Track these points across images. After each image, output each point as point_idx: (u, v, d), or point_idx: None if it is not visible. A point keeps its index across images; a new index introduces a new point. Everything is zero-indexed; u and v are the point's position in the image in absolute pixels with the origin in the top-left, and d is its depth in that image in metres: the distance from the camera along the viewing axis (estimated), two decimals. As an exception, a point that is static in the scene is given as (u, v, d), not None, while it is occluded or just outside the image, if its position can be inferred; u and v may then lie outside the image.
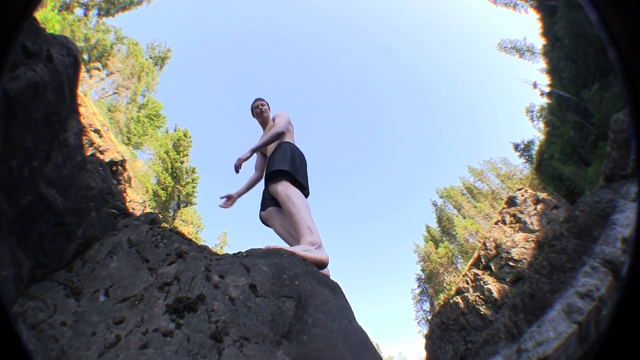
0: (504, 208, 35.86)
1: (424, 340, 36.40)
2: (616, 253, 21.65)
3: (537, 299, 25.94)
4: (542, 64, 49.11)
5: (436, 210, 47.60)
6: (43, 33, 2.98)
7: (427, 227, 47.71)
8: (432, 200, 49.13)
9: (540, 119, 46.25)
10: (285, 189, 4.13)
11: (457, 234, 41.37)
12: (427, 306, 41.12)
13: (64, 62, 3.09)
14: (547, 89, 44.06)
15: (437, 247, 43.79)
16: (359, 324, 3.27)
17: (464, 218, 42.94)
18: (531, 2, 48.06)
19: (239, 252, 3.42)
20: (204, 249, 3.31)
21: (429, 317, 38.61)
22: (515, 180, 42.38)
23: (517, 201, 34.63)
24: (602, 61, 35.42)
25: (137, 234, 3.20)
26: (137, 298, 2.48)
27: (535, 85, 45.22)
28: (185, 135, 39.76)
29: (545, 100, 45.35)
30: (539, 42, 48.72)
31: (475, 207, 42.90)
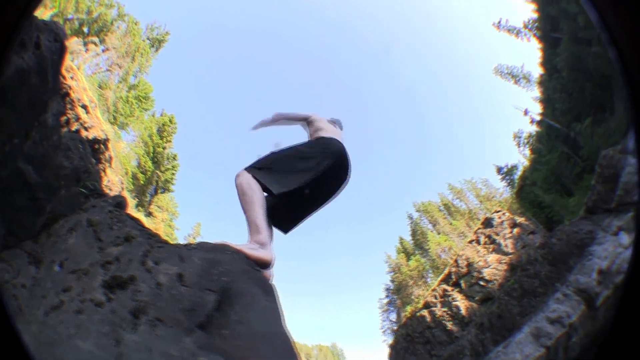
0: (479, 228, 36.08)
1: (388, 350, 36.62)
2: (591, 284, 21.52)
3: (506, 320, 25.84)
4: (536, 92, 49.66)
5: (411, 223, 47.42)
6: (35, 21, 3.14)
7: (401, 239, 47.59)
8: (409, 213, 48.96)
9: (527, 146, 46.61)
10: (241, 181, 3.85)
11: (430, 248, 41.20)
12: (393, 316, 40.80)
13: (50, 48, 3.27)
14: (538, 118, 44.38)
15: (408, 259, 43.50)
16: (287, 329, 3.26)
17: (439, 234, 43.14)
18: (535, 32, 48.44)
19: (188, 244, 3.58)
20: (152, 236, 3.48)
21: (395, 328, 38.29)
22: (494, 202, 42.76)
23: (494, 223, 34.52)
24: (598, 97, 35.78)
25: (98, 215, 3.43)
26: (83, 271, 2.76)
27: (526, 112, 45.46)
28: (170, 121, 39.31)
29: (534, 128, 45.69)
30: (536, 70, 49.14)
31: (451, 224, 43.12)
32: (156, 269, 2.92)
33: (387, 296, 43.26)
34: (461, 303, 30.50)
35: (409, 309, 36.16)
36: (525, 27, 50.34)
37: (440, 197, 47.68)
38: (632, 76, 0.93)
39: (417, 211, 48.00)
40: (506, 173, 47.61)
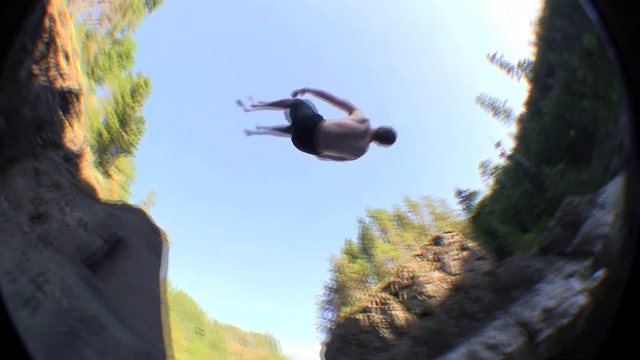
0: (428, 244, 36.61)
1: (320, 347, 36.73)
2: (533, 319, 22.27)
3: (442, 338, 26.62)
4: (512, 128, 50.74)
5: (361, 227, 47.40)
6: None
7: (348, 240, 47.31)
8: (360, 217, 48.92)
9: (492, 176, 47.53)
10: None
11: (375, 255, 41.54)
12: (330, 315, 40.72)
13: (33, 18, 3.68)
14: (510, 152, 45.25)
15: (352, 262, 43.48)
16: (163, 287, 5.84)
17: (386, 242, 43.26)
18: (527, 73, 49.28)
19: (111, 201, 5.86)
20: (78, 188, 5.62)
21: (331, 327, 38.66)
22: (448, 222, 43.33)
23: (444, 242, 35.05)
24: (577, 147, 36.78)
25: (46, 165, 4.98)
26: (19, 205, 4.41)
27: (498, 145, 46.36)
28: (145, 84, 37.88)
29: (503, 161, 46.54)
30: (518, 108, 50.26)
31: (401, 235, 43.32)
32: (70, 214, 4.52)
33: (326, 294, 43.09)
34: (399, 313, 30.68)
35: (346, 309, 36.42)
36: (519, 66, 51.35)
37: (394, 207, 48.21)
38: (632, 76, 0.96)
39: (369, 216, 48.15)
40: (465, 197, 48.44)
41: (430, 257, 34.35)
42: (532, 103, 50.03)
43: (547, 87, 44.03)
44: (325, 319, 40.37)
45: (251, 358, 60.46)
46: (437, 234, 38.43)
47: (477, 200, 49.93)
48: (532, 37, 51.76)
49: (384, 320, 31.03)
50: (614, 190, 28.87)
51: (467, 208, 50.25)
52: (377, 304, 32.77)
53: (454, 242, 34.95)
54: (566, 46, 42.38)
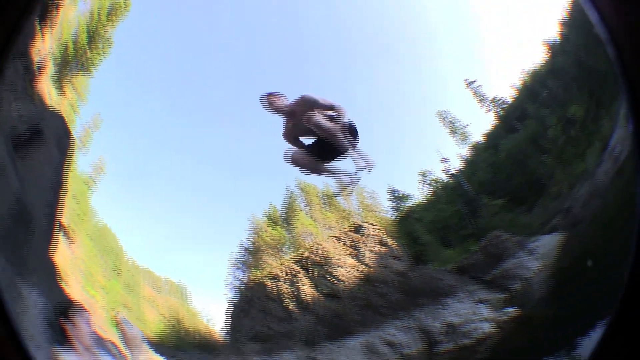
0: (349, 230, 37.52)
1: (227, 305, 37.63)
2: (435, 330, 23.68)
3: (344, 323, 27.56)
4: (464, 151, 52.67)
5: (288, 196, 47.46)
6: None
7: (273, 206, 47.53)
8: (289, 186, 49.03)
9: (430, 187, 49.09)
10: None
11: (295, 226, 41.83)
12: (241, 275, 40.64)
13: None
14: (454, 171, 46.86)
15: (272, 227, 43.78)
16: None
17: (309, 217, 43.50)
18: (499, 110, 51.02)
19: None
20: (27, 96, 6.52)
21: (240, 287, 38.83)
22: (374, 215, 44.05)
23: (364, 232, 35.92)
24: (520, 192, 38.87)
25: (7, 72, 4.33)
26: None
27: (445, 160, 48.12)
28: (125, 5, 35.56)
29: (445, 177, 48.21)
30: (477, 135, 52.18)
31: (324, 214, 43.68)
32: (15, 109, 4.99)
33: (240, 253, 42.88)
34: (307, 289, 31.32)
35: (257, 273, 36.67)
36: (493, 100, 53.33)
37: (325, 186, 48.38)
38: (632, 76, 0.96)
39: (298, 187, 48.26)
40: (398, 197, 49.75)
41: (348, 242, 35.18)
42: (493, 137, 52.09)
43: (513, 129, 46.22)
44: (236, 278, 40.11)
45: (162, 305, 59.78)
46: (359, 222, 39.30)
47: (408, 203, 51.73)
48: (518, 82, 54.75)
49: (291, 292, 31.55)
50: (548, 243, 30.48)
51: (396, 208, 51.31)
52: (287, 275, 33.26)
53: (374, 235, 35.74)
54: (549, 105, 44.99)
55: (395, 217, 49.67)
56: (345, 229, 38.82)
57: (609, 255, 14.71)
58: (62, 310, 3.00)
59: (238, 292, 37.78)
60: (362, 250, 33.92)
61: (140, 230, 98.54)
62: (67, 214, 25.66)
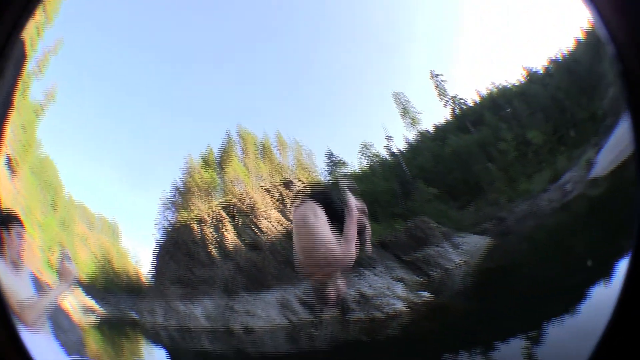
0: (279, 184, 38.01)
1: (154, 245, 36.82)
2: (349, 297, 24.34)
3: (262, 276, 28.21)
4: (410, 134, 54.07)
5: (227, 140, 46.92)
6: None
7: (210, 148, 46.98)
8: (229, 131, 48.48)
9: (368, 159, 50.06)
10: None
11: (228, 172, 41.77)
12: (170, 216, 40.06)
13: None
14: (396, 151, 48.05)
15: (205, 170, 43.44)
16: None
17: (242, 164, 43.37)
18: (456, 108, 52.67)
19: None
20: None
21: (168, 228, 38.32)
22: (307, 174, 44.41)
23: (293, 188, 36.48)
24: (457, 188, 42.47)
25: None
26: None
27: (388, 139, 49.11)
28: None
29: (384, 154, 50.53)
30: (427, 123, 55.50)
31: (257, 164, 43.72)
32: None
33: (172, 193, 42.56)
34: (230, 236, 31.59)
35: (184, 214, 36.58)
36: (453, 99, 54.56)
37: (265, 136, 48.16)
38: (632, 76, 0.97)
39: (238, 134, 47.84)
40: (333, 162, 50.34)
41: (276, 195, 35.69)
42: (443, 130, 53.56)
43: (465, 130, 47.96)
44: (165, 218, 39.49)
45: (93, 244, 58.58)
46: (291, 178, 39.82)
47: (343, 170, 52.45)
48: (484, 91, 56.21)
49: (215, 238, 31.79)
50: (475, 243, 32.07)
51: (330, 172, 52.24)
52: (213, 220, 33.43)
53: (300, 192, 35.52)
54: (508, 121, 46.99)
55: (328, 181, 51.14)
56: (275, 182, 39.13)
57: (532, 272, 15.95)
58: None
59: (166, 234, 37.27)
60: (288, 206, 34.10)
61: (81, 164, 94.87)
62: (13, 144, 25.06)
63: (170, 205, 41.28)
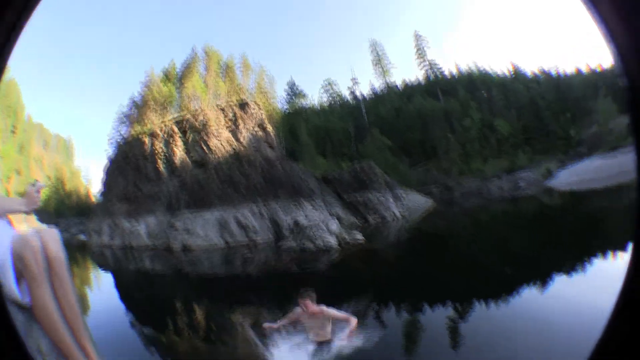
0: (234, 103, 37.63)
1: (106, 161, 36.16)
2: (285, 224, 25.54)
3: (204, 194, 28.09)
4: (378, 83, 55.57)
5: (192, 56, 44.82)
6: None
7: (173, 62, 46.09)
8: (196, 47, 47.48)
9: (329, 96, 51.13)
10: None
11: (186, 87, 40.98)
12: (124, 130, 39.78)
13: None
14: (358, 95, 51.12)
15: (164, 83, 42.23)
16: None
17: (202, 81, 42.95)
18: (430, 73, 53.35)
19: None
20: None
21: (120, 142, 37.88)
22: (264, 98, 44.62)
23: (248, 110, 36.28)
24: (411, 143, 45.83)
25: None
26: None
27: (353, 81, 54.51)
28: None
29: (347, 95, 54.74)
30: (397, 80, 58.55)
31: (217, 82, 43.07)
32: None
33: (129, 107, 41.63)
34: (179, 152, 31.42)
35: (138, 128, 36.16)
36: (431, 64, 55.84)
37: (230, 57, 46.67)
38: (632, 76, 0.96)
39: (204, 51, 46.23)
40: (294, 92, 51.19)
41: (230, 115, 35.30)
42: (411, 89, 56.38)
43: (434, 95, 51.21)
44: (119, 133, 39.56)
45: (47, 165, 58.18)
46: (248, 100, 39.14)
47: (302, 102, 54.38)
48: (464, 67, 58.48)
49: (164, 152, 31.48)
50: (417, 202, 34.18)
51: (289, 101, 53.59)
52: (164, 134, 32.96)
53: (256, 117, 36.12)
54: (480, 102, 47.66)
55: (285, 109, 51.48)
56: (231, 101, 38.81)
57: (468, 249, 15.59)
58: None
59: (117, 148, 36.68)
60: (240, 127, 34.25)
61: (43, 84, 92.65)
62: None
63: (125, 119, 40.96)
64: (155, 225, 27.43)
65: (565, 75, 52.44)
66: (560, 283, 8.39)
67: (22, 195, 2.90)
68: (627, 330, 1.01)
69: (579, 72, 51.80)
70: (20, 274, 2.24)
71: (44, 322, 2.20)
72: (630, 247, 1.02)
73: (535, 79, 53.24)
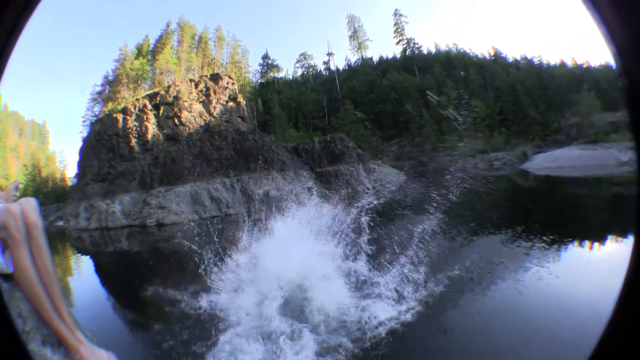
0: (206, 75, 36.82)
1: (81, 143, 34.30)
2: (257, 197, 25.14)
3: (176, 169, 27.48)
4: (353, 57, 58.90)
5: (166, 31, 45.26)
6: None
7: (147, 37, 45.31)
8: (171, 21, 46.37)
9: (305, 70, 54.82)
10: None
11: (159, 61, 40.22)
12: (98, 110, 39.31)
13: None
14: (333, 68, 52.91)
15: (137, 58, 41.55)
16: None
17: (175, 54, 42.03)
18: (406, 49, 55.75)
19: None
20: None
21: (93, 122, 36.21)
22: (237, 71, 44.45)
23: (220, 82, 35.45)
24: (384, 117, 46.47)
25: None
26: None
27: (329, 54, 56.52)
28: None
29: (321, 68, 55.68)
30: (374, 55, 59.17)
31: (190, 55, 42.92)
32: None
33: (101, 85, 41.28)
34: (151, 127, 30.73)
35: (111, 105, 35.22)
36: (408, 41, 56.95)
37: (205, 30, 46.91)
38: (632, 75, 0.95)
39: (178, 24, 45.86)
40: (267, 65, 51.13)
41: (202, 88, 34.51)
42: (386, 64, 56.37)
43: (410, 71, 51.72)
44: (92, 112, 39.17)
45: (23, 153, 57.87)
46: (220, 72, 38.59)
47: (276, 74, 54.05)
48: (443, 46, 58.56)
49: (136, 128, 30.72)
50: (389, 175, 33.52)
51: (262, 73, 53.14)
52: (137, 110, 32.10)
53: (228, 89, 35.40)
54: (457, 82, 47.07)
55: (257, 81, 51.21)
56: (203, 74, 38.14)
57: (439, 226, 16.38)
58: None
59: (90, 128, 35.12)
60: (212, 99, 33.73)
61: (23, 73, 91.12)
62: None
63: (98, 97, 40.32)
64: (130, 203, 26.81)
65: (548, 65, 51.74)
66: (560, 281, 7.91)
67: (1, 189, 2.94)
68: (629, 328, 1.02)
69: (563, 64, 51.61)
70: (5, 245, 2.35)
71: (23, 285, 2.34)
72: (631, 245, 1.03)
73: (516, 64, 53.02)
